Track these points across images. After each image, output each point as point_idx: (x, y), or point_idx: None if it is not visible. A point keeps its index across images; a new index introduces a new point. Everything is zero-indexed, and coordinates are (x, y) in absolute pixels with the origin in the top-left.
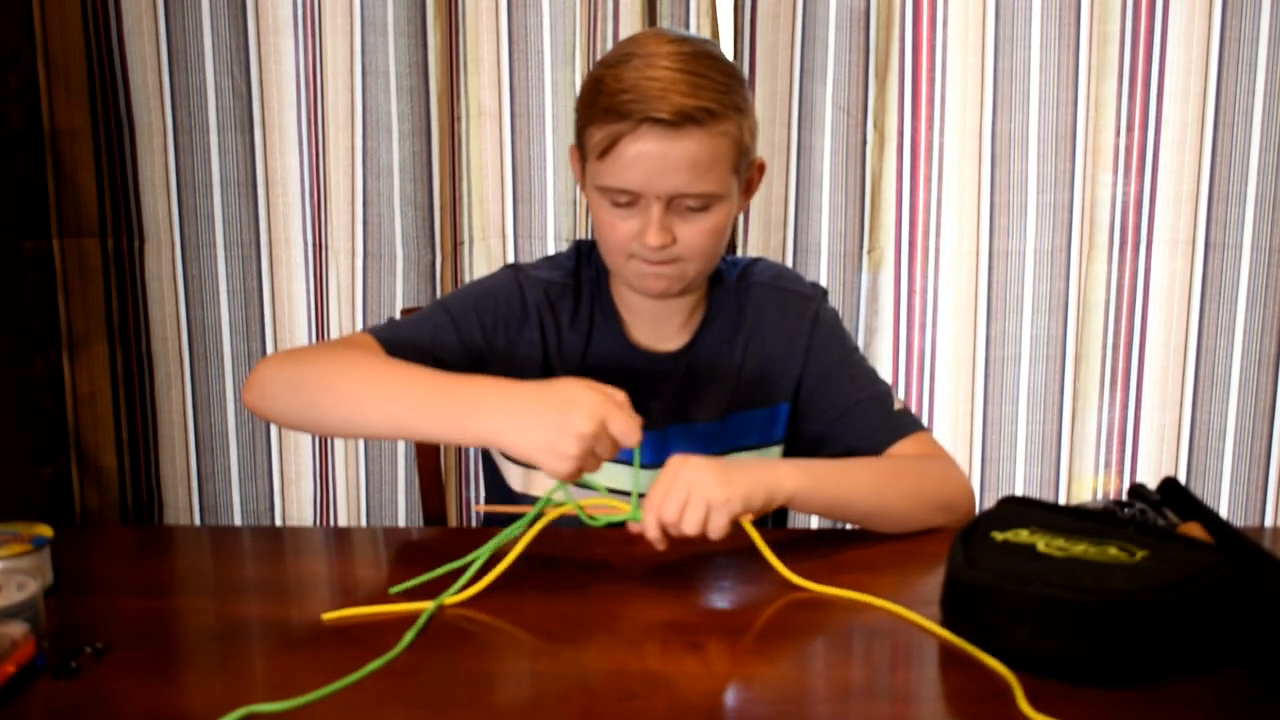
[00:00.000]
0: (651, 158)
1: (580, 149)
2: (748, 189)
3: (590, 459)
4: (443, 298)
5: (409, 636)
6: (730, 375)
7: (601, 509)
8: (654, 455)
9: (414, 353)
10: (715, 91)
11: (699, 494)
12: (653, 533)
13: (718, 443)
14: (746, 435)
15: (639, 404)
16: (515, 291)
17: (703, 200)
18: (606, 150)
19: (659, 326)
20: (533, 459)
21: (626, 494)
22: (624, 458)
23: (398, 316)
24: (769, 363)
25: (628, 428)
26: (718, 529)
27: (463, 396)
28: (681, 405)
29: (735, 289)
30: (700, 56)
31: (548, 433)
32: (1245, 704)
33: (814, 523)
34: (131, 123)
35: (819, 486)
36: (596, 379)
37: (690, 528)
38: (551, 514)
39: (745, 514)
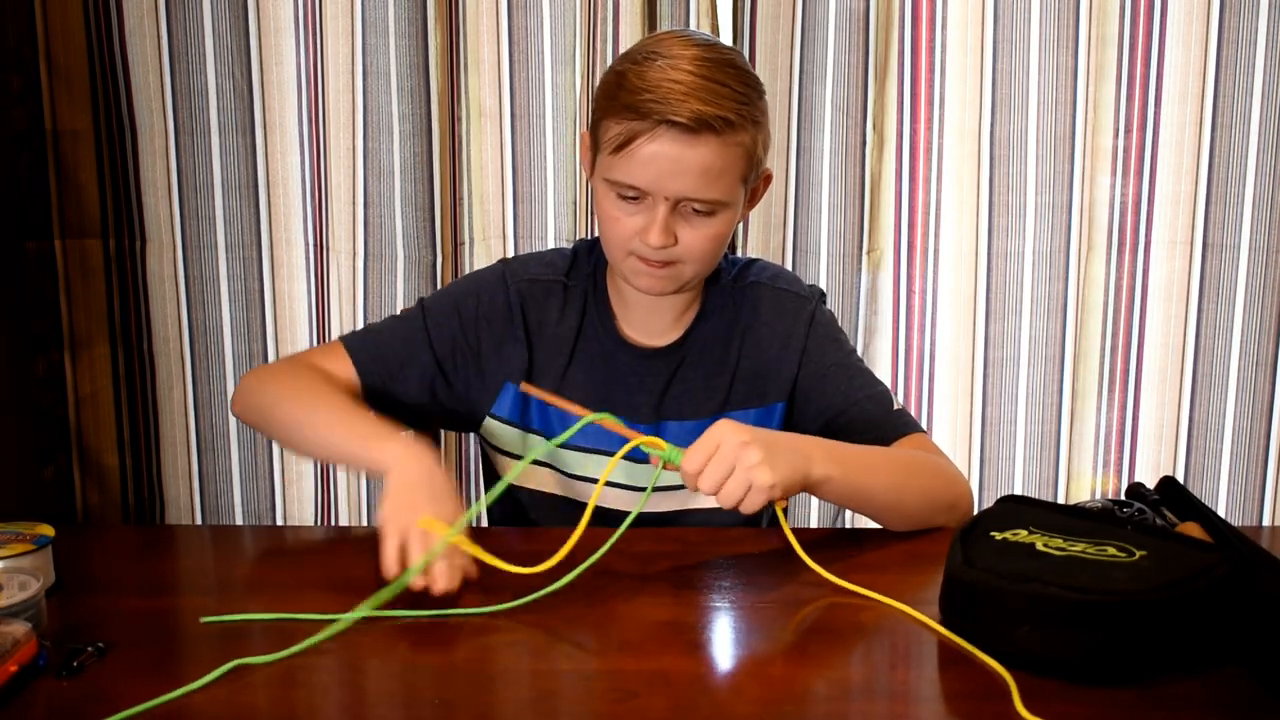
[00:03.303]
0: (665, 160)
1: (594, 139)
2: (752, 198)
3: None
4: (427, 297)
5: (362, 605)
6: (724, 373)
7: (642, 440)
8: (646, 452)
9: (382, 365)
10: (735, 102)
11: (743, 472)
12: (690, 488)
13: None
14: None
15: (627, 397)
16: (500, 289)
17: (709, 206)
18: (621, 146)
19: (652, 321)
20: (379, 512)
21: (626, 488)
22: (634, 455)
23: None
24: (764, 362)
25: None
26: (753, 508)
27: (382, 435)
28: (673, 401)
29: (732, 288)
30: (723, 64)
31: (400, 508)
32: (1244, 704)
33: (812, 521)
34: (133, 124)
35: (846, 477)
36: (586, 373)
37: (728, 501)
38: (583, 421)
39: (782, 500)
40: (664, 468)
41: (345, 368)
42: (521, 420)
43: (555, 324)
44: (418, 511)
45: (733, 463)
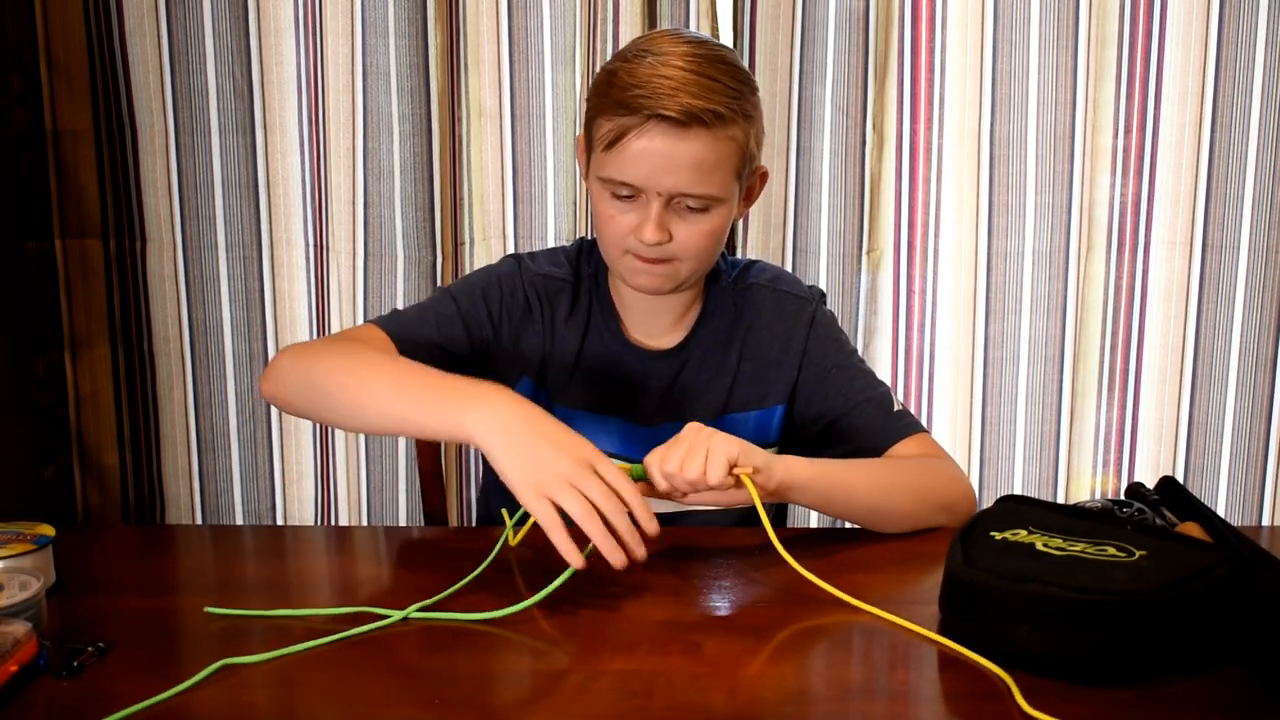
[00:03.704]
0: (656, 155)
1: (588, 139)
2: (748, 196)
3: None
4: (449, 285)
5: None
6: (725, 375)
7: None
8: (647, 453)
9: (421, 348)
10: (725, 96)
11: (700, 443)
12: (661, 485)
13: None
14: (740, 436)
15: (631, 398)
16: (518, 283)
17: (702, 201)
18: (613, 143)
19: (654, 323)
20: (514, 489)
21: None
22: (623, 452)
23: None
24: (764, 364)
25: (614, 483)
26: (716, 470)
27: (460, 396)
28: (675, 403)
29: (732, 289)
30: (714, 60)
31: (532, 468)
32: (1244, 704)
33: (813, 521)
34: (133, 124)
35: (824, 477)
36: (592, 373)
37: (692, 470)
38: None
39: (746, 467)
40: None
41: (388, 349)
42: None
43: (565, 322)
44: (551, 469)
45: (688, 442)
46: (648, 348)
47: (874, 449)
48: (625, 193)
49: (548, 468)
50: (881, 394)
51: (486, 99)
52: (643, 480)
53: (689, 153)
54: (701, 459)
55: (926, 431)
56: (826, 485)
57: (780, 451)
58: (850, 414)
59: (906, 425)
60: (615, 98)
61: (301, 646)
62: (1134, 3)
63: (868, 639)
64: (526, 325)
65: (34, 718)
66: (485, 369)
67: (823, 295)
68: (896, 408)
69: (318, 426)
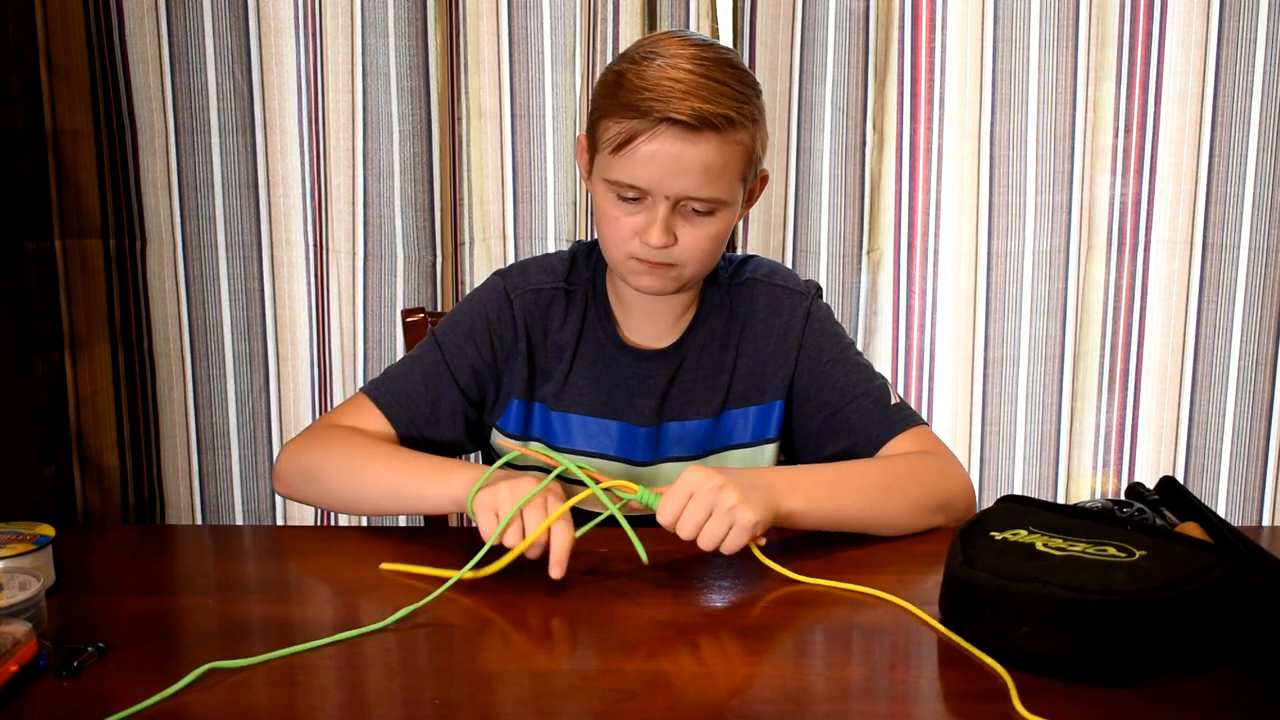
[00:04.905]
0: (666, 158)
1: (591, 140)
2: (750, 198)
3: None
4: (437, 329)
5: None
6: (723, 372)
7: (618, 487)
8: (648, 453)
9: (414, 411)
10: (734, 100)
11: (723, 515)
12: (680, 534)
13: (711, 440)
14: (740, 432)
15: (628, 400)
16: (505, 305)
17: (709, 205)
18: (622, 145)
19: (651, 323)
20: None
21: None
22: (623, 454)
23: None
24: (762, 360)
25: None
26: (734, 547)
27: (450, 467)
28: (674, 402)
29: (728, 286)
30: (722, 64)
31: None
32: (1244, 704)
33: None
34: (133, 124)
35: (816, 507)
36: (588, 377)
37: (709, 542)
38: (576, 497)
39: (759, 538)
40: (627, 505)
41: (377, 421)
42: (524, 433)
43: (557, 330)
44: (505, 491)
45: (710, 506)
46: (644, 348)
47: (872, 443)
48: (631, 195)
49: (497, 493)
50: (879, 387)
51: (486, 99)
52: (648, 507)
53: (699, 157)
54: (723, 531)
55: (926, 424)
56: (817, 518)
57: (781, 446)
58: (847, 408)
59: (904, 419)
60: (624, 100)
61: (294, 649)
62: (1134, 3)
63: (867, 638)
64: (515, 348)
65: (34, 718)
66: (486, 405)
67: (819, 289)
68: (894, 401)
69: None
